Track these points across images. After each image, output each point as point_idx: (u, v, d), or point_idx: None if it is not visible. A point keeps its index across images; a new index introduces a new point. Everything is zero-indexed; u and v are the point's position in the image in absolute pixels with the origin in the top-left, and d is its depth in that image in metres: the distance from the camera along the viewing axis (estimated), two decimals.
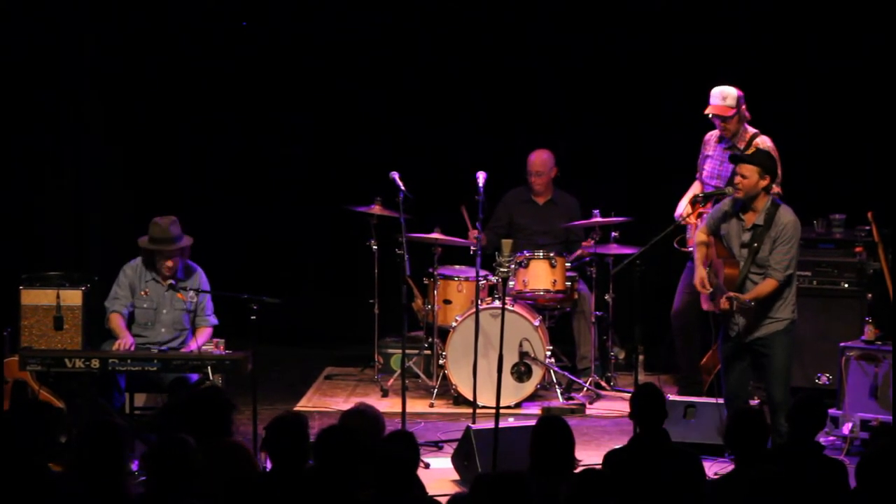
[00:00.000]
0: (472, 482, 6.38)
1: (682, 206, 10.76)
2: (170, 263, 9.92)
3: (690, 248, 10.74)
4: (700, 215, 10.45)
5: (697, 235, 9.40)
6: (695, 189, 10.84)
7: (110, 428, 6.53)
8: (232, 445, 7.17)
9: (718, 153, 10.63)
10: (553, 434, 7.01)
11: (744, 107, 10.55)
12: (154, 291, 10.02)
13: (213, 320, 10.04)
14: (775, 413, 8.97)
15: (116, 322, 9.92)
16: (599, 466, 7.27)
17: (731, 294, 8.94)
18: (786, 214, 9.07)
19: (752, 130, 10.56)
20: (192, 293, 9.98)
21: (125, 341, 9.77)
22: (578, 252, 11.61)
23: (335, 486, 6.49)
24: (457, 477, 9.21)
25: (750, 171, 9.04)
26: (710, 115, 10.56)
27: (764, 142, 10.39)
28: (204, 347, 9.68)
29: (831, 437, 9.90)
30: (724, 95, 10.52)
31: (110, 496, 6.35)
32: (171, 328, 10.02)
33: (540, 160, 11.90)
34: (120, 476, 6.43)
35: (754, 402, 9.65)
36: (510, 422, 9.89)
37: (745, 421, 7.18)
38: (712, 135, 10.75)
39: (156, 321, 10.01)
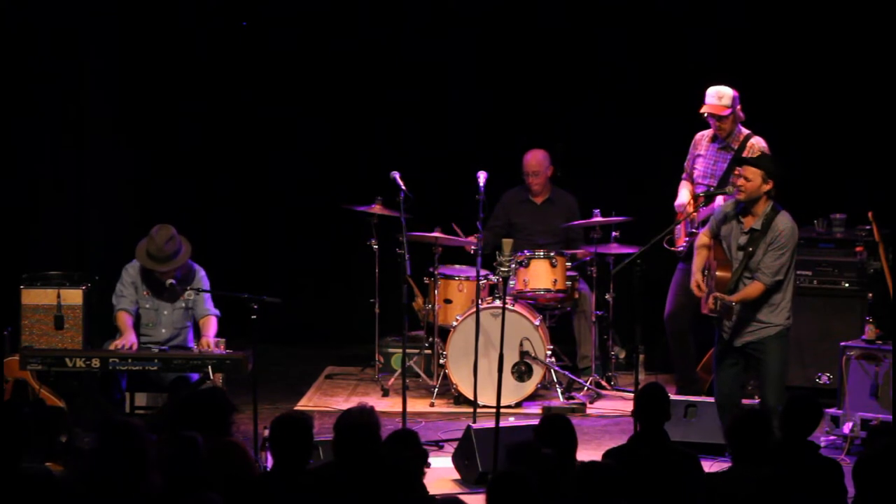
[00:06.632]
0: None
1: (684, 196, 10.73)
2: (162, 277, 9.90)
3: (679, 248, 10.80)
4: (697, 210, 10.48)
5: (700, 238, 9.34)
6: (685, 188, 10.82)
7: (129, 427, 6.48)
8: (229, 444, 7.17)
9: (711, 153, 10.64)
10: (556, 432, 7.01)
11: (739, 107, 10.54)
12: (155, 292, 10.02)
13: (216, 311, 10.02)
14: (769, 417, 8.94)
15: (123, 320, 9.89)
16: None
17: (717, 294, 8.91)
18: (783, 221, 9.00)
19: (745, 131, 10.56)
20: (190, 292, 9.98)
21: (126, 341, 9.74)
22: (576, 252, 11.60)
23: (351, 483, 6.52)
24: (457, 476, 9.21)
25: (753, 174, 9.00)
26: (706, 115, 10.56)
27: (759, 142, 10.41)
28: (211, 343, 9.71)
29: (832, 437, 9.91)
30: (719, 95, 10.52)
31: (129, 496, 6.29)
32: (171, 327, 10.02)
33: (535, 160, 11.89)
34: (142, 475, 6.35)
35: (754, 401, 9.63)
36: (511, 421, 9.90)
37: (747, 421, 7.15)
38: (703, 135, 10.76)
39: (157, 322, 10.00)
